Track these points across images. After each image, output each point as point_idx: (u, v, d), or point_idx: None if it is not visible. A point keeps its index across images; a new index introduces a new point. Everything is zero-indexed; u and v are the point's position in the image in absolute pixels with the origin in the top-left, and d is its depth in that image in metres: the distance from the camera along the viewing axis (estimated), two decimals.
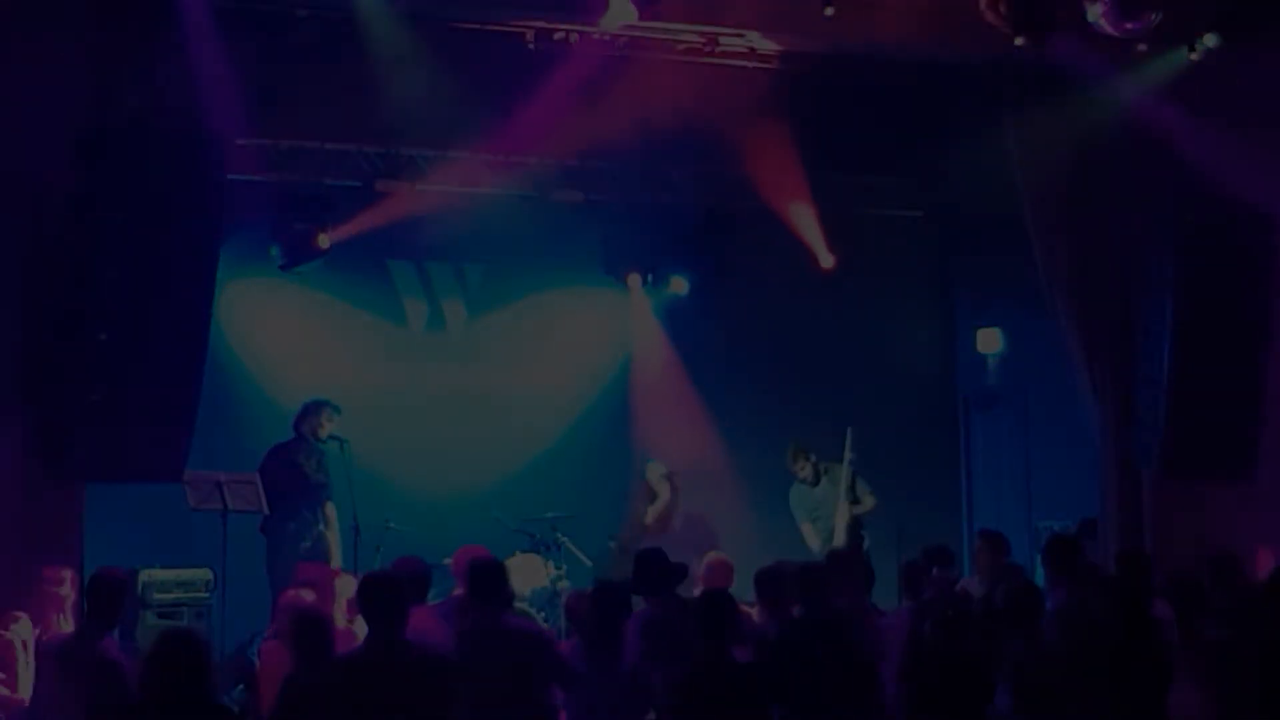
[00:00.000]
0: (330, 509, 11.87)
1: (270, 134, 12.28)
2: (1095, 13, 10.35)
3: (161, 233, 10.49)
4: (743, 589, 8.92)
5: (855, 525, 12.83)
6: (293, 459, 11.96)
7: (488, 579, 7.67)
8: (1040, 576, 12.02)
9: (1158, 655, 7.17)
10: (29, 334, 10.28)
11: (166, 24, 9.96)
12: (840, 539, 12.62)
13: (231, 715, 6.22)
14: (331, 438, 11.90)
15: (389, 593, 6.81)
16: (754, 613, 8.53)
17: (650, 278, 14.31)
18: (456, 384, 14.01)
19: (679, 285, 14.50)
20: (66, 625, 8.93)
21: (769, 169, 13.13)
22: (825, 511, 13.07)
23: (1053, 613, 8.05)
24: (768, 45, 11.45)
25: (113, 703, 7.03)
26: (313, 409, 12.15)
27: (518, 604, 9.54)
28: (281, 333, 13.52)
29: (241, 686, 10.11)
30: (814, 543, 13.02)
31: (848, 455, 12.93)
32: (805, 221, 13.71)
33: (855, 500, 12.98)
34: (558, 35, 11.10)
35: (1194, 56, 11.07)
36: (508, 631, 7.49)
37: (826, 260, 14.00)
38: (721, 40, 11.33)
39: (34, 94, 9.93)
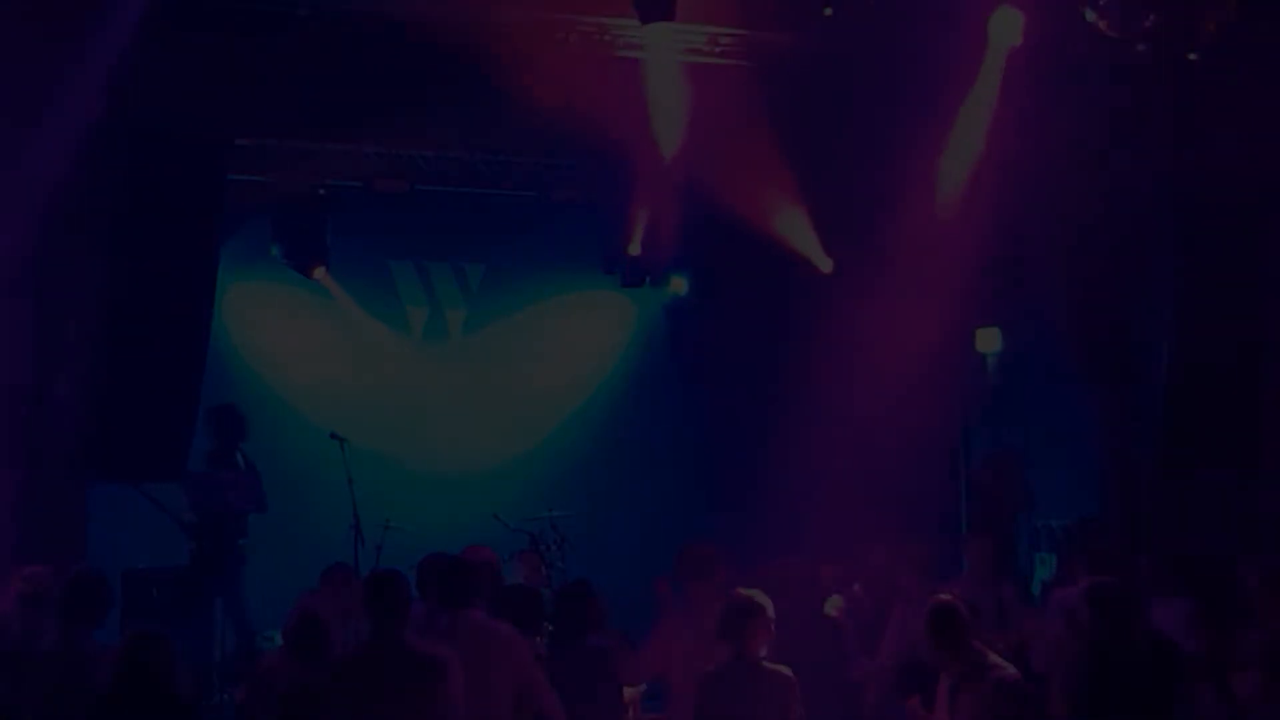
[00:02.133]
0: None
1: (270, 134, 12.29)
2: (1094, 13, 10.35)
3: (162, 233, 10.52)
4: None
5: None
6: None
7: (449, 579, 7.63)
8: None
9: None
10: (32, 334, 10.31)
11: (165, 25, 9.98)
12: None
13: (197, 715, 6.22)
14: (332, 436, 11.89)
15: (392, 592, 6.82)
16: None
17: (649, 278, 14.32)
18: (457, 382, 14.03)
19: (679, 285, 14.51)
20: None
21: (765, 171, 13.14)
22: None
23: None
24: (766, 45, 11.46)
25: (87, 700, 7.06)
26: (225, 414, 11.79)
27: None
28: (282, 332, 13.55)
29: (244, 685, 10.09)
30: None
31: None
32: (800, 230, 13.71)
33: None
34: (559, 35, 11.11)
35: (1193, 57, 11.07)
36: (478, 632, 7.44)
37: (825, 265, 14.01)
38: (722, 40, 11.34)
39: (37, 95, 9.97)
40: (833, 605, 9.46)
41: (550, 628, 8.38)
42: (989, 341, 14.46)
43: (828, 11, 10.54)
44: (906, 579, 9.27)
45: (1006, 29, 11.06)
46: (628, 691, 8.24)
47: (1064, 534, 12.06)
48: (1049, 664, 7.71)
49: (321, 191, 13.01)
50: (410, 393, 13.82)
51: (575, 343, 14.50)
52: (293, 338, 13.56)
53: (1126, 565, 9.07)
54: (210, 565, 11.09)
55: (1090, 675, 6.98)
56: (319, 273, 13.12)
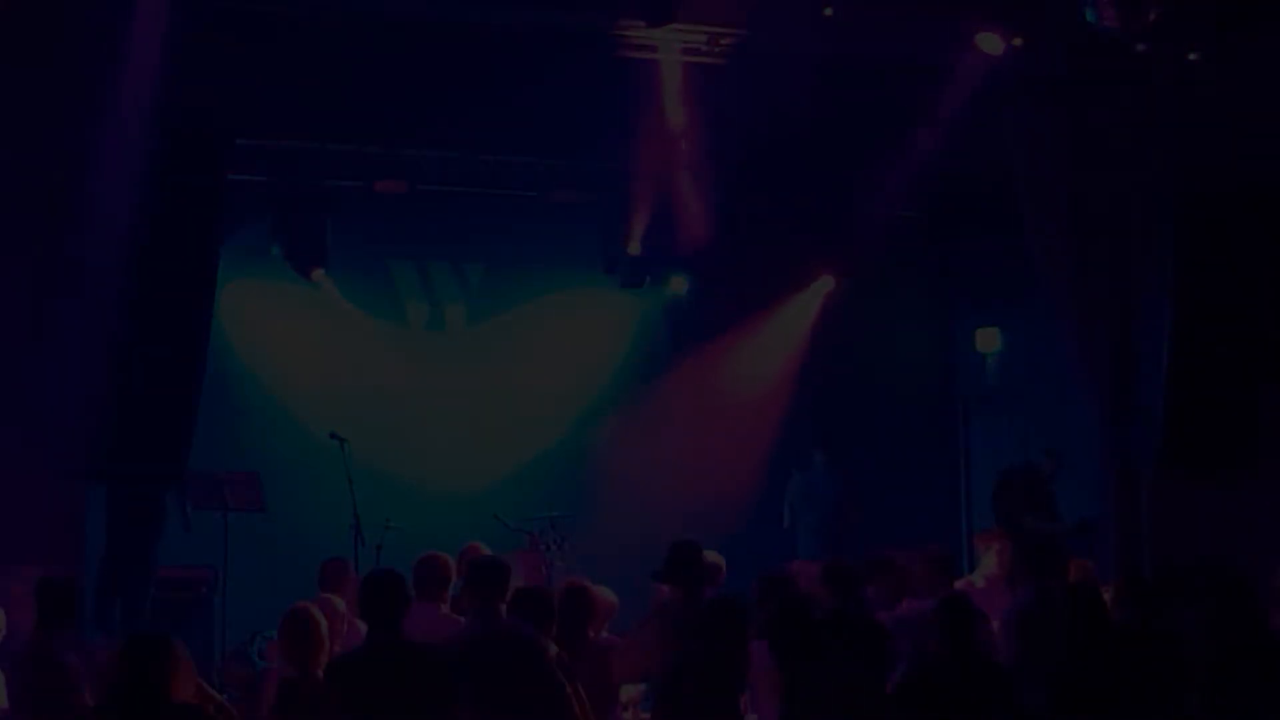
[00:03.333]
0: None
1: (270, 134, 12.30)
2: (1094, 12, 10.36)
3: (162, 233, 10.53)
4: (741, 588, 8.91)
5: None
6: None
7: (487, 578, 7.66)
8: None
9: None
10: (31, 335, 10.31)
11: (165, 26, 9.99)
12: None
13: (199, 715, 6.21)
14: (332, 436, 11.88)
15: (389, 592, 6.82)
16: None
17: (649, 278, 14.32)
18: (456, 382, 14.02)
19: (679, 285, 14.50)
20: None
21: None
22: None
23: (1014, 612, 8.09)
24: (767, 46, 11.46)
25: (61, 704, 7.07)
26: None
27: None
28: (282, 332, 13.54)
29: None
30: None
31: None
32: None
33: None
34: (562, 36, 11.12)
35: (1193, 56, 11.08)
36: (503, 634, 7.46)
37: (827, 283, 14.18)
38: (722, 41, 11.34)
39: (35, 98, 9.99)
40: None
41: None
42: (989, 341, 14.48)
43: (828, 11, 10.54)
44: (920, 573, 9.23)
45: (994, 45, 11.15)
46: (627, 691, 8.26)
47: (1063, 536, 12.08)
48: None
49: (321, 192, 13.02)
50: (410, 393, 13.80)
51: (575, 343, 14.48)
52: (292, 337, 13.54)
53: (1067, 567, 9.08)
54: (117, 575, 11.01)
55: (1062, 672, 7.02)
56: (318, 274, 13.12)
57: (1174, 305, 11.66)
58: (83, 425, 10.36)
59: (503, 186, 13.45)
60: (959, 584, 9.70)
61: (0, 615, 8.38)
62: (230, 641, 11.30)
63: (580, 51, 11.09)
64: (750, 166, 12.99)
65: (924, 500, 14.33)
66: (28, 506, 10.21)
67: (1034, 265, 12.21)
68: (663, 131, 12.02)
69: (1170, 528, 11.67)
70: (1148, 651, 7.21)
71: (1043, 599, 7.94)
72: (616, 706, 8.00)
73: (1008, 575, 9.70)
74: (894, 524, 13.02)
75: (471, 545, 9.47)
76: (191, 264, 11.07)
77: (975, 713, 6.75)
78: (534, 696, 7.19)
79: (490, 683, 7.08)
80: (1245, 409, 11.67)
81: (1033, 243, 12.15)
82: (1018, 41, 11.03)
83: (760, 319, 14.42)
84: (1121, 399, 11.98)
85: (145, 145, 10.21)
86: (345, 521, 11.55)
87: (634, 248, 13.69)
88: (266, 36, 10.60)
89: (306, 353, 13.54)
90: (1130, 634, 7.42)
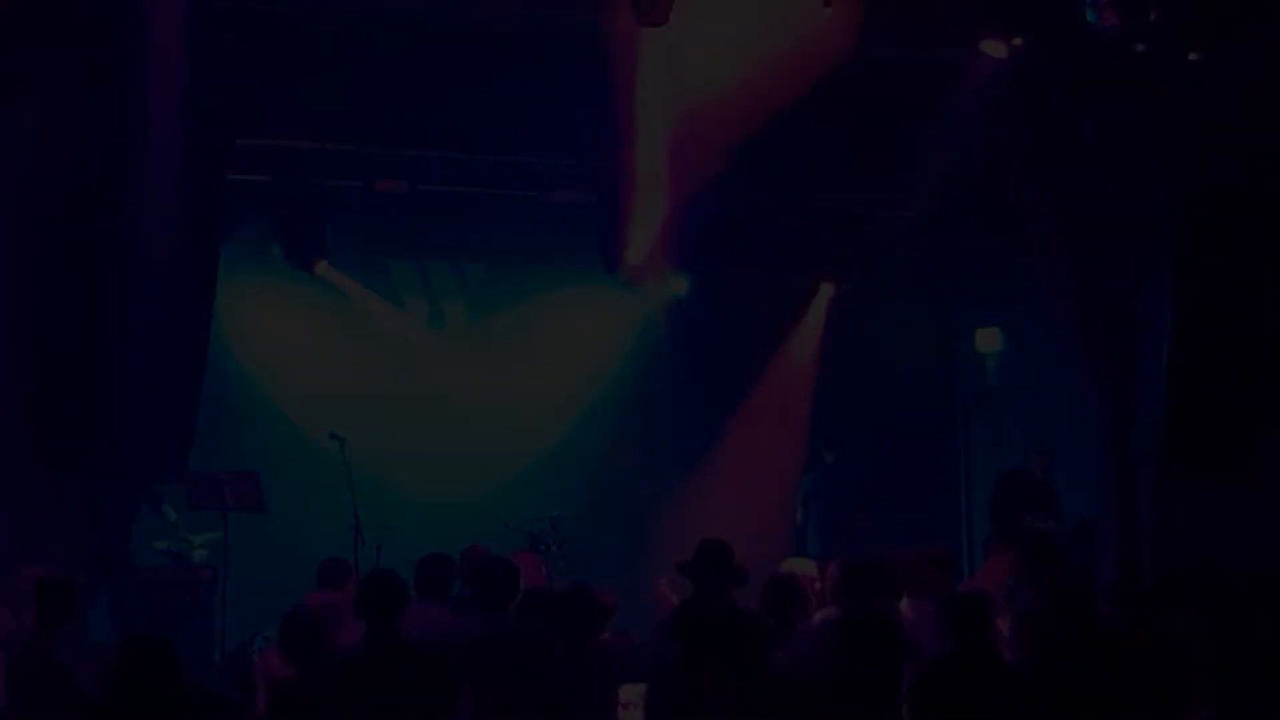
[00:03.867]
0: None
1: (270, 134, 12.30)
2: (1094, 12, 10.36)
3: (162, 233, 10.53)
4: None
5: None
6: None
7: (497, 579, 7.66)
8: None
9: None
10: (32, 334, 10.32)
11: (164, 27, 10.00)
12: None
13: (199, 714, 6.22)
14: (332, 436, 11.88)
15: (388, 592, 6.83)
16: None
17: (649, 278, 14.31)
18: (457, 383, 14.03)
19: (679, 285, 14.50)
20: None
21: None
22: None
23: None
24: (768, 45, 11.46)
25: (61, 704, 7.07)
26: None
27: None
28: (281, 332, 13.55)
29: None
30: None
31: None
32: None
33: None
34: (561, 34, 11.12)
35: (1193, 56, 11.08)
36: (512, 635, 7.46)
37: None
38: (723, 40, 11.33)
39: (32, 100, 9.99)
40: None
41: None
42: (989, 341, 14.50)
43: (828, 12, 10.54)
44: (920, 573, 9.21)
45: (995, 47, 11.17)
46: (627, 691, 8.26)
47: (1063, 537, 12.08)
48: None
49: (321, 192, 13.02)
50: (410, 392, 13.82)
51: (575, 343, 14.49)
52: (292, 337, 13.56)
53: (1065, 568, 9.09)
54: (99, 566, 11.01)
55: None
56: (321, 267, 13.12)
57: (1174, 305, 11.65)
58: (83, 425, 10.36)
59: (503, 186, 13.44)
60: (963, 585, 9.72)
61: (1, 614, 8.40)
62: (230, 641, 11.30)
63: (580, 51, 11.09)
64: (750, 167, 12.98)
65: (924, 500, 14.34)
66: (27, 506, 10.22)
67: (1034, 265, 12.22)
68: (661, 131, 12.02)
69: (1170, 528, 11.66)
70: (1146, 652, 7.22)
71: (1042, 600, 7.94)
72: (617, 706, 8.00)
73: (1012, 577, 9.71)
74: (894, 524, 13.04)
75: (473, 546, 9.48)
76: (192, 264, 11.07)
77: (979, 712, 6.75)
78: (543, 697, 7.21)
79: (500, 683, 7.09)
80: (1245, 409, 11.65)
81: (1033, 243, 12.15)
82: (1018, 41, 11.03)
83: (769, 331, 14.43)
84: (1121, 399, 11.98)
85: (171, 148, 10.24)
86: (345, 521, 11.56)
87: (634, 255, 13.67)
88: (266, 36, 10.61)
89: (307, 353, 13.55)
90: (1129, 634, 7.42)
